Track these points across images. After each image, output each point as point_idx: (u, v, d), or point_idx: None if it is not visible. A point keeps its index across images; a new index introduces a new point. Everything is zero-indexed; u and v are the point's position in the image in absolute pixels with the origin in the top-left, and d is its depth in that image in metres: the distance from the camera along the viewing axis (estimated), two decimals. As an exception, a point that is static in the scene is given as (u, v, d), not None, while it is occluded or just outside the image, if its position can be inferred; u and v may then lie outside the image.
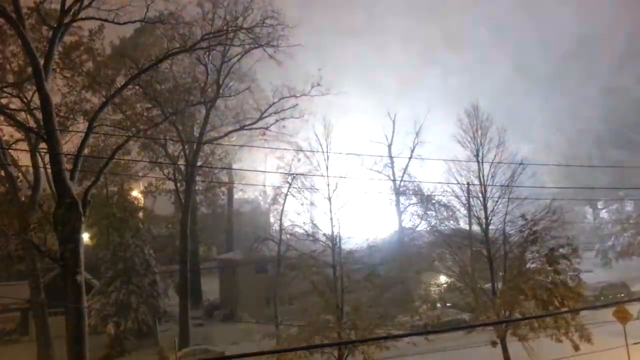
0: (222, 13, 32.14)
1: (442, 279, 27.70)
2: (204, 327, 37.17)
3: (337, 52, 59.03)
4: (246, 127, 37.26)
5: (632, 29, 62.78)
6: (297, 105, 35.21)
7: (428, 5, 68.97)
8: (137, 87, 31.68)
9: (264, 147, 36.35)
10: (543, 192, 28.94)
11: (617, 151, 57.66)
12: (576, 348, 20.87)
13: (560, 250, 22.90)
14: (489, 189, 24.61)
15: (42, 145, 28.16)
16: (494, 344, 22.94)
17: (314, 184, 28.33)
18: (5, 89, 29.35)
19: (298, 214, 30.36)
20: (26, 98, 30.26)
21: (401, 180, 40.85)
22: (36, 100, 25.79)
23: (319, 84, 34.64)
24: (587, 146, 59.18)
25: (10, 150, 31.80)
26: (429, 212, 39.27)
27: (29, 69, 25.45)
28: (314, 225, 27.32)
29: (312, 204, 28.97)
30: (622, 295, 36.45)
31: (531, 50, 72.37)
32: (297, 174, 31.45)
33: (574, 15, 64.23)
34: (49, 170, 23.54)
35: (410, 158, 40.01)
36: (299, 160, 32.29)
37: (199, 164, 38.47)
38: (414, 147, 40.34)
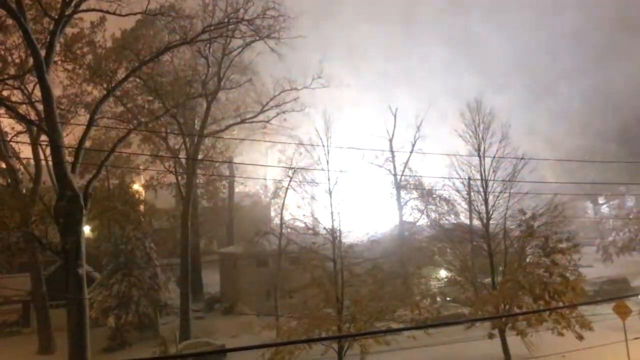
0: (222, 5, 32.02)
1: (443, 273, 27.79)
2: (204, 320, 37.25)
3: (338, 45, 58.87)
4: (247, 121, 37.19)
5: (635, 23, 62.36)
6: (298, 98, 35.20)
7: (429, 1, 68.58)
8: (138, 79, 31.59)
9: (265, 141, 36.30)
10: (544, 187, 28.88)
11: (618, 146, 57.54)
12: (580, 337, 20.93)
13: (559, 245, 22.97)
14: (490, 183, 24.63)
15: (44, 137, 28.18)
16: (491, 335, 23.04)
17: (314, 178, 28.37)
18: (6, 81, 29.30)
19: (299, 208, 30.45)
20: (27, 90, 30.25)
21: (402, 175, 40.75)
22: (37, 93, 25.77)
23: (320, 77, 34.63)
24: (588, 142, 59.00)
25: (11, 143, 31.85)
26: (429, 207, 39.24)
27: (31, 61, 25.41)
28: (315, 219, 27.38)
29: (312, 197, 28.97)
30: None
31: (532, 46, 72.05)
32: (298, 168, 31.46)
33: (575, 7, 63.82)
34: (50, 163, 23.59)
35: (411, 152, 39.89)
36: (300, 154, 32.28)
37: (200, 157, 38.43)
38: (415, 141, 40.27)
